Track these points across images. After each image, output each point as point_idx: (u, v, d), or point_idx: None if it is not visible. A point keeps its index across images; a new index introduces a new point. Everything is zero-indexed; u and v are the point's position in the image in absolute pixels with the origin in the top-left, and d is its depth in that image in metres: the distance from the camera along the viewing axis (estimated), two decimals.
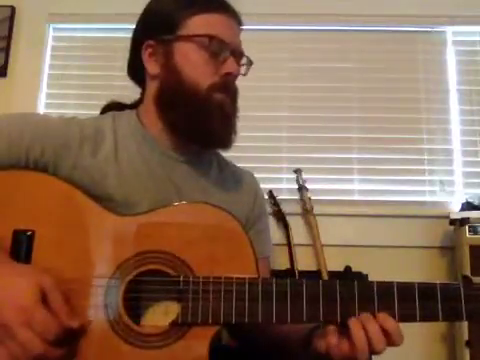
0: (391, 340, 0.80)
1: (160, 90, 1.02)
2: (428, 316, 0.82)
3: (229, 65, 1.00)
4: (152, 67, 1.03)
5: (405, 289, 0.83)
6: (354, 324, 0.81)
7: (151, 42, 1.02)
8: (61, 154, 0.95)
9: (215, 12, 1.01)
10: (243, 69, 1.07)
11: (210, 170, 1.09)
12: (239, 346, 1.06)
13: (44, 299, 0.76)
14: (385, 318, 0.81)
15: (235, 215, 0.89)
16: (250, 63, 1.08)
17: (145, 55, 1.03)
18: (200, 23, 1.00)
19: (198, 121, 0.99)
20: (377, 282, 0.84)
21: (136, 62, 1.06)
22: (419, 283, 0.83)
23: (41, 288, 0.76)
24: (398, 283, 0.83)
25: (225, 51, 1.00)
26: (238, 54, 1.04)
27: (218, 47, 0.99)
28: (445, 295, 0.83)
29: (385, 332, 0.80)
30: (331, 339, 0.82)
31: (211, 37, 0.99)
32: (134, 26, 1.08)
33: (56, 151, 0.95)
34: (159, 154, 1.03)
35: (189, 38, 0.99)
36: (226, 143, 1.03)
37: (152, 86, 1.04)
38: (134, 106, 1.10)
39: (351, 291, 0.83)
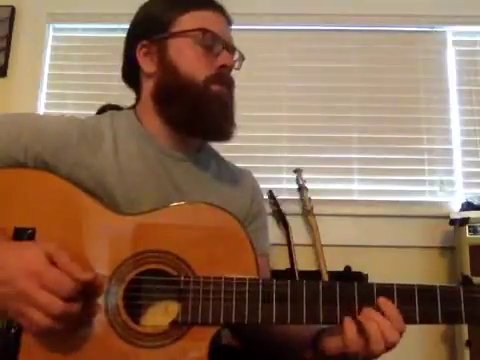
0: (398, 327, 0.81)
1: (157, 87, 1.03)
2: (428, 318, 0.82)
3: (223, 57, 1.02)
4: (148, 66, 1.04)
5: (405, 291, 0.83)
6: (364, 317, 0.81)
7: (145, 42, 1.04)
8: (60, 153, 0.95)
9: (205, 9, 1.04)
10: (236, 64, 1.09)
11: (209, 168, 1.10)
12: (241, 347, 1.06)
13: (52, 262, 0.77)
14: (384, 304, 0.82)
15: (235, 215, 0.89)
16: (242, 58, 1.10)
17: (140, 55, 1.04)
18: (192, 19, 1.02)
19: (198, 113, 1.00)
20: (377, 284, 0.84)
21: (130, 65, 1.07)
22: (419, 285, 0.83)
23: (47, 252, 0.77)
24: (398, 285, 0.83)
25: (218, 44, 1.02)
26: (230, 48, 1.06)
27: (211, 40, 1.01)
28: (445, 298, 0.82)
29: (390, 320, 0.81)
30: (350, 335, 0.81)
31: (204, 31, 1.00)
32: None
33: (55, 150, 0.95)
34: (158, 152, 1.03)
35: (183, 34, 1.01)
36: (226, 134, 1.03)
37: (149, 84, 1.05)
38: (130, 109, 1.11)
39: (351, 293, 0.83)
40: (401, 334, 0.82)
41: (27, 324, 0.75)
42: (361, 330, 0.81)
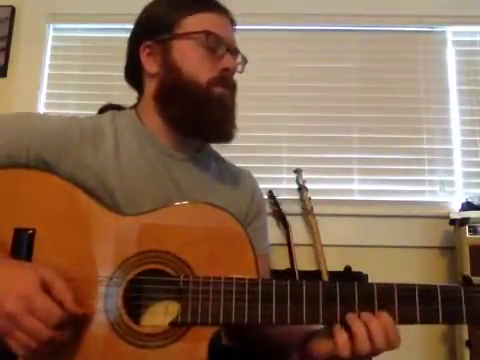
0: (389, 340, 0.80)
1: (160, 87, 1.03)
2: (428, 318, 0.82)
3: (226, 60, 1.02)
4: (150, 66, 1.04)
5: (405, 291, 0.83)
6: (354, 321, 0.81)
7: (148, 42, 1.04)
8: (62, 153, 0.95)
9: (209, 11, 1.04)
10: (239, 67, 1.09)
11: (209, 168, 1.10)
12: (240, 346, 1.06)
13: (46, 288, 0.76)
14: (385, 317, 0.81)
15: (236, 216, 0.89)
16: (245, 61, 1.10)
17: (143, 55, 1.04)
18: (196, 21, 1.02)
19: (200, 114, 1.00)
20: (377, 284, 0.84)
21: (133, 65, 1.08)
22: (419, 285, 0.83)
23: (41, 277, 0.77)
24: (398, 285, 0.83)
25: (222, 47, 1.02)
26: (233, 51, 1.06)
27: (215, 43, 1.01)
28: (445, 297, 0.82)
29: (385, 331, 0.80)
30: (339, 339, 0.81)
31: (208, 33, 1.01)
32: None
33: (57, 150, 0.95)
34: (159, 152, 1.03)
35: (186, 35, 1.01)
36: (228, 135, 1.03)
37: (151, 85, 1.05)
38: (131, 109, 1.11)
39: (351, 293, 0.83)
40: (390, 346, 0.81)
41: (14, 346, 0.75)
42: (351, 335, 0.81)
